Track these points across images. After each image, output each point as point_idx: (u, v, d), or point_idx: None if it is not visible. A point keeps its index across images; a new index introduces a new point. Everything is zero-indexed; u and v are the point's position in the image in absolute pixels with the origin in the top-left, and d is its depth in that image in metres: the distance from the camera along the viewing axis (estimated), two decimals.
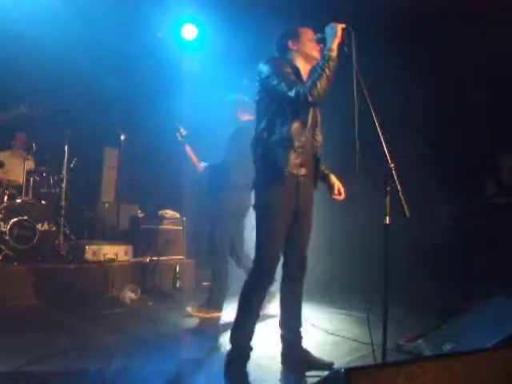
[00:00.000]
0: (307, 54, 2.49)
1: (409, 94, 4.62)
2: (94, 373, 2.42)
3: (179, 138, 4.21)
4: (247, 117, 3.95)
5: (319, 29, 2.43)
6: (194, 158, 4.21)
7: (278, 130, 2.38)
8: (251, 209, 3.91)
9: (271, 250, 2.40)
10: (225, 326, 3.38)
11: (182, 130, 4.25)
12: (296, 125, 2.38)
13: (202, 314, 3.75)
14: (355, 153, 2.17)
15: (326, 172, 2.68)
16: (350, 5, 3.85)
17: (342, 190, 2.64)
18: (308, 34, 2.52)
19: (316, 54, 2.48)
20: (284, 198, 2.39)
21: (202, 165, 4.16)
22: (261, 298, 2.40)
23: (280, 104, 2.38)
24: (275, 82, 2.32)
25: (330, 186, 2.65)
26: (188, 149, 4.22)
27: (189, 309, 3.82)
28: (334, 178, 2.67)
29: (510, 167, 4.47)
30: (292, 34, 2.54)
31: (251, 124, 3.97)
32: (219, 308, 3.80)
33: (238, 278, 4.50)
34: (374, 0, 4.13)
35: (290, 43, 2.52)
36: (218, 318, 3.76)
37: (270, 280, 2.43)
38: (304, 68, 2.50)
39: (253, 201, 3.97)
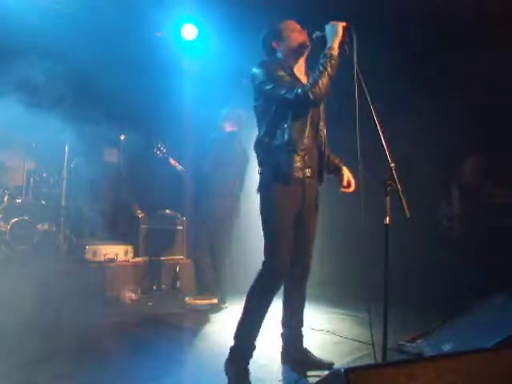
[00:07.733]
0: (295, 47, 2.46)
1: (409, 94, 4.61)
2: (94, 373, 2.42)
3: (160, 155, 4.38)
4: (230, 127, 4.25)
5: (318, 29, 2.41)
6: (180, 169, 4.48)
7: (279, 134, 2.35)
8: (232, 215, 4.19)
9: (280, 253, 2.35)
10: (225, 325, 3.38)
11: (161, 147, 4.38)
12: (297, 127, 2.36)
13: (197, 302, 4.16)
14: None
15: (339, 165, 2.65)
16: (350, 5, 3.84)
17: (353, 182, 2.60)
18: (289, 25, 2.50)
19: (304, 40, 2.44)
20: (290, 200, 2.36)
21: (188, 173, 4.50)
22: (269, 300, 2.35)
23: (278, 107, 2.35)
24: (270, 87, 2.30)
25: (340, 178, 2.60)
26: (172, 162, 4.43)
27: (186, 299, 4.24)
28: (345, 170, 2.63)
29: (508, 167, 4.47)
30: (273, 33, 2.52)
31: (229, 135, 4.24)
32: (211, 295, 4.14)
33: (239, 276, 4.56)
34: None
35: (274, 44, 2.50)
36: (214, 306, 4.09)
37: (279, 283, 2.39)
38: (297, 63, 2.47)
39: (233, 207, 4.18)
